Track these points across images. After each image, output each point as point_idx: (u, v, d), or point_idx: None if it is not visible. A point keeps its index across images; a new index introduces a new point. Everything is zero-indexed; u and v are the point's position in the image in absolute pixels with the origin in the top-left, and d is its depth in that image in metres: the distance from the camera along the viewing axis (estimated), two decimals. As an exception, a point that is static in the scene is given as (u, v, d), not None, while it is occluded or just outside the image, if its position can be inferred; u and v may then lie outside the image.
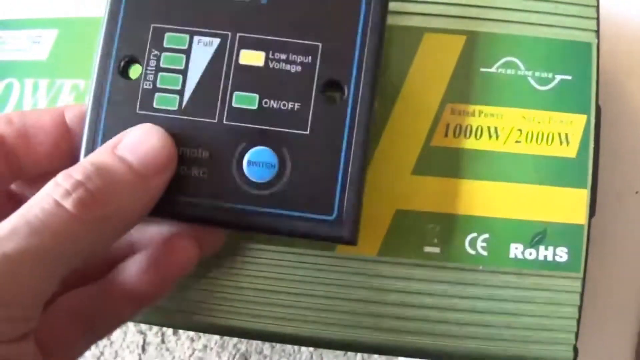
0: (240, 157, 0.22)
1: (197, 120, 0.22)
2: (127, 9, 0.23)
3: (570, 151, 0.26)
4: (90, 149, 0.23)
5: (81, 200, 0.19)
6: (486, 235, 0.25)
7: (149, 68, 0.23)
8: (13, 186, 0.24)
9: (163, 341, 0.38)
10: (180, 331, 0.38)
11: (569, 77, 0.26)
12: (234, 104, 0.22)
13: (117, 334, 0.39)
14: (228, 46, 0.23)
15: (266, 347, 0.38)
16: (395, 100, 0.26)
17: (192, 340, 0.38)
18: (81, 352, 0.22)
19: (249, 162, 0.22)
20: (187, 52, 0.23)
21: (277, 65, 0.23)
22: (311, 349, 0.37)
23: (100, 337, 0.23)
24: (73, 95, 0.28)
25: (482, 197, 0.25)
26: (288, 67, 0.22)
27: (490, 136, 0.25)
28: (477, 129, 0.25)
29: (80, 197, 0.19)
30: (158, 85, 0.23)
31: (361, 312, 0.25)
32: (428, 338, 0.25)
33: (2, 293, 0.17)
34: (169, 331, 0.38)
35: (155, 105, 0.23)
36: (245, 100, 0.22)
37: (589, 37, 0.26)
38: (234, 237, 0.25)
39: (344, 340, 0.26)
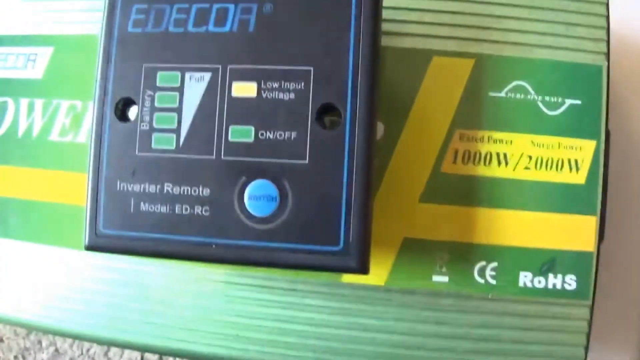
0: (241, 192, 0.22)
1: (196, 158, 0.22)
2: (119, 50, 0.23)
3: (580, 177, 0.25)
4: (95, 196, 0.23)
5: None
6: (495, 264, 0.24)
7: (144, 108, 0.23)
8: None
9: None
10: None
11: (578, 102, 0.25)
12: (230, 139, 0.22)
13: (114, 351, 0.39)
14: (220, 79, 0.22)
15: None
16: (403, 126, 0.25)
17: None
18: None
19: (250, 197, 0.22)
20: (180, 90, 0.22)
21: (270, 95, 0.22)
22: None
23: None
24: (70, 117, 0.28)
25: (492, 225, 0.24)
26: (281, 95, 0.22)
27: (499, 163, 0.24)
28: (486, 155, 0.24)
29: None
30: (155, 125, 0.22)
31: (368, 341, 0.25)
32: (436, 367, 0.25)
33: None
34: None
35: (153, 145, 0.22)
36: (241, 133, 0.22)
37: (598, 60, 0.25)
38: (240, 268, 0.25)
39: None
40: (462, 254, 0.25)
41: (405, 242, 0.25)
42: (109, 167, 0.23)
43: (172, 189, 0.22)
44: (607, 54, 0.25)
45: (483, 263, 0.25)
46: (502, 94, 0.25)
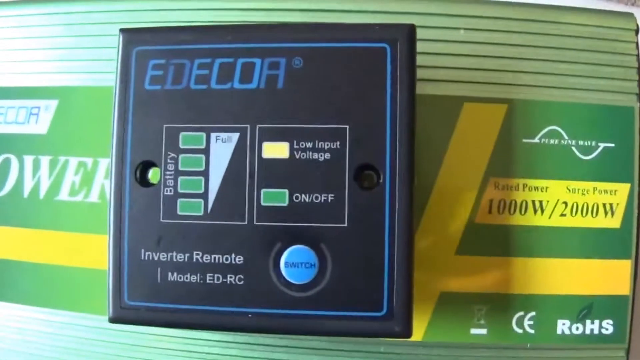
0: (276, 259, 0.21)
1: (226, 224, 0.21)
2: (136, 109, 0.22)
3: (615, 222, 0.25)
4: (118, 266, 0.21)
5: None
6: (533, 313, 0.24)
7: (167, 172, 0.21)
8: None
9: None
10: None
11: (612, 145, 0.24)
12: (263, 203, 0.21)
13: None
14: (249, 140, 0.21)
15: None
16: (436, 176, 0.24)
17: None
18: None
19: (287, 264, 0.20)
20: (206, 151, 0.21)
21: (303, 155, 0.21)
22: None
23: None
24: (80, 175, 0.26)
25: (529, 275, 0.24)
26: (316, 155, 0.21)
27: (535, 211, 0.24)
28: (521, 203, 0.24)
29: None
30: (179, 190, 0.21)
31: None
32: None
33: None
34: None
35: (179, 212, 0.21)
36: (275, 197, 0.21)
37: (630, 101, 0.24)
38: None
39: None
40: (500, 305, 0.24)
41: (442, 296, 0.24)
42: (132, 235, 0.21)
43: (202, 258, 0.21)
44: (639, 95, 0.24)
45: (521, 313, 0.24)
46: (536, 140, 0.24)
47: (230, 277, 0.21)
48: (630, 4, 0.31)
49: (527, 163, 0.24)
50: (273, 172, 0.21)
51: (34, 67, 0.27)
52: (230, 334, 0.24)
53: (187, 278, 0.21)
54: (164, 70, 0.22)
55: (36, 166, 0.26)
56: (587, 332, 0.24)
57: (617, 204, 0.24)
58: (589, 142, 0.24)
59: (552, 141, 0.24)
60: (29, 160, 0.26)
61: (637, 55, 0.24)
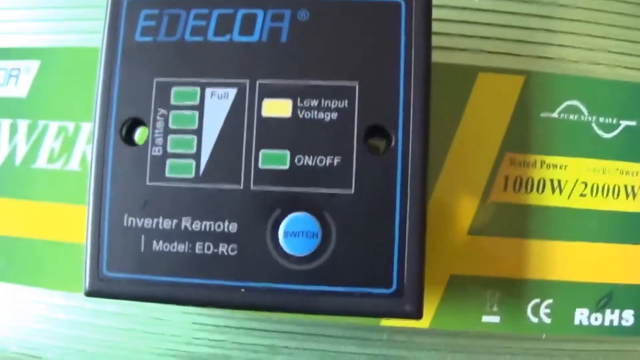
0: (274, 228, 0.19)
1: (220, 188, 0.19)
2: (124, 62, 0.20)
3: (637, 205, 0.23)
4: (97, 232, 0.19)
5: None
6: (550, 301, 0.22)
7: (156, 131, 0.19)
8: None
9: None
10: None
11: (634, 123, 0.22)
12: (261, 165, 0.19)
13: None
14: (247, 96, 0.19)
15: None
16: (448, 149, 0.22)
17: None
18: None
19: (286, 233, 0.18)
20: (200, 108, 0.19)
21: (307, 114, 0.19)
22: None
23: None
24: (60, 140, 0.24)
25: (546, 259, 0.22)
26: (321, 115, 0.19)
27: (553, 190, 0.22)
28: (539, 182, 0.22)
29: None
30: (169, 150, 0.19)
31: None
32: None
33: None
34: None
35: (167, 173, 0.19)
36: (274, 159, 0.19)
37: None
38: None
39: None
40: (514, 291, 0.22)
41: (452, 280, 0.22)
42: (114, 199, 0.19)
43: (191, 225, 0.19)
44: (663, 72, 0.23)
45: (537, 300, 0.22)
46: (555, 115, 0.22)
47: (223, 247, 0.19)
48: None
49: (544, 139, 0.23)
50: (273, 132, 0.19)
51: (15, 27, 0.25)
52: (221, 312, 0.22)
53: (174, 247, 0.19)
54: (156, 20, 0.20)
55: (13, 131, 0.24)
56: (607, 323, 0.22)
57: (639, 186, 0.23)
58: (610, 120, 0.23)
59: (571, 117, 0.23)
60: (5, 124, 0.24)
61: (661, 32, 0.23)
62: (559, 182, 0.23)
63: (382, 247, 0.19)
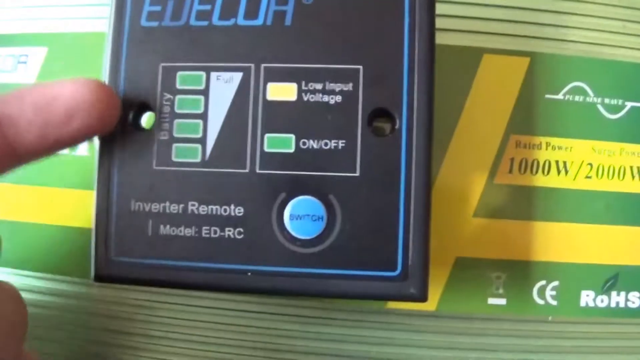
0: (280, 211, 0.19)
1: (226, 172, 0.19)
2: (130, 47, 0.20)
3: None
4: (105, 217, 0.19)
5: None
6: (556, 283, 0.22)
7: (162, 115, 0.19)
8: None
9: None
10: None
11: None
12: (266, 149, 0.19)
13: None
14: (252, 80, 0.19)
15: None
16: (453, 132, 0.22)
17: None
18: None
19: (292, 216, 0.18)
20: (205, 93, 0.19)
21: (312, 98, 0.19)
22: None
23: None
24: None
25: (552, 241, 0.22)
26: (326, 98, 0.19)
27: (559, 172, 0.22)
28: (544, 163, 0.22)
29: None
30: (175, 134, 0.19)
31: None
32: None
33: None
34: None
35: (174, 158, 0.19)
36: (280, 142, 0.19)
37: None
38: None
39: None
40: (520, 274, 0.22)
41: (458, 262, 0.22)
42: (121, 184, 0.19)
43: (197, 209, 0.19)
44: (668, 54, 0.23)
45: (543, 282, 0.22)
46: (560, 96, 0.22)
47: (229, 231, 0.19)
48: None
49: (550, 120, 0.23)
50: (279, 116, 0.19)
51: (22, 13, 0.25)
52: (227, 295, 0.22)
53: (180, 231, 0.19)
54: (162, 5, 0.20)
55: (21, 117, 0.24)
56: (613, 305, 0.22)
57: (645, 168, 0.23)
58: (616, 101, 0.23)
59: (576, 98, 0.23)
60: (13, 110, 0.24)
61: (668, 12, 0.23)
62: (565, 163, 0.23)
63: (387, 230, 0.19)
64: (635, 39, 0.23)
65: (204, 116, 0.19)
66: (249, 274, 0.19)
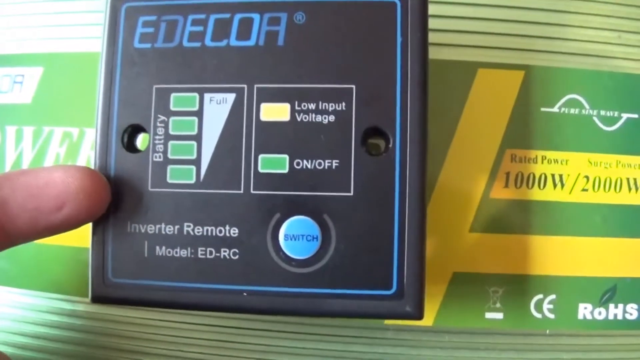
0: (275, 232, 0.19)
1: (220, 193, 0.19)
2: (124, 69, 0.20)
3: (639, 198, 0.23)
4: (101, 239, 0.19)
5: None
6: (553, 297, 0.22)
7: (157, 137, 0.19)
8: None
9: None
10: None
11: (636, 116, 0.22)
12: (260, 169, 0.19)
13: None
14: (246, 101, 0.19)
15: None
16: (448, 147, 0.22)
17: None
18: None
19: (287, 236, 0.19)
20: (199, 114, 0.19)
21: (305, 118, 0.19)
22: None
23: None
24: (65, 146, 0.24)
25: (548, 255, 0.22)
26: (319, 117, 0.19)
27: (555, 185, 0.22)
28: (540, 177, 0.22)
29: None
30: (170, 156, 0.19)
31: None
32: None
33: None
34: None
35: (169, 179, 0.19)
36: (274, 163, 0.19)
37: None
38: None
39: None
40: (518, 287, 0.22)
41: (455, 277, 0.22)
42: (117, 206, 0.19)
43: (193, 230, 0.19)
44: (663, 64, 0.23)
45: (540, 296, 0.22)
46: (555, 109, 0.22)
47: (224, 252, 0.19)
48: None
49: (545, 134, 0.22)
50: (272, 136, 0.19)
51: (18, 34, 0.25)
52: (224, 314, 0.22)
53: (176, 252, 0.19)
54: (155, 27, 0.20)
55: (19, 137, 0.24)
56: (610, 317, 0.22)
57: (642, 179, 0.22)
58: (612, 113, 0.23)
59: (572, 111, 0.23)
60: (11, 130, 0.24)
61: (662, 23, 0.23)
62: (561, 176, 0.23)
63: (382, 249, 0.19)
64: (631, 50, 0.23)
65: (197, 137, 0.19)
66: (245, 294, 0.19)
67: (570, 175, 0.22)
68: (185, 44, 0.20)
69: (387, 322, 0.22)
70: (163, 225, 0.19)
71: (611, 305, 0.22)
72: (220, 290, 0.19)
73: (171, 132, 0.19)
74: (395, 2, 0.19)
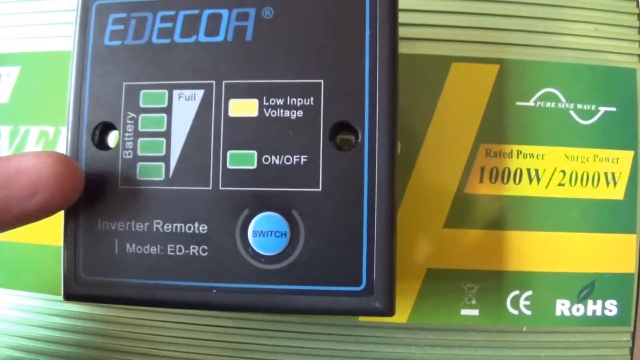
0: (244, 228, 0.19)
1: (189, 190, 0.19)
2: (94, 67, 0.20)
3: (618, 193, 0.23)
4: (72, 237, 0.19)
5: None
6: (529, 293, 0.22)
7: (126, 134, 0.19)
8: None
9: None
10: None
11: (613, 109, 0.22)
12: (229, 166, 0.19)
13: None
14: (214, 97, 0.19)
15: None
16: (422, 142, 0.22)
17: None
18: None
19: (255, 233, 0.18)
20: (168, 111, 0.19)
21: (274, 113, 0.19)
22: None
23: None
24: (41, 144, 0.24)
25: (524, 250, 0.22)
26: (287, 113, 0.19)
27: (530, 180, 0.22)
28: (515, 172, 0.22)
29: None
30: (139, 153, 0.19)
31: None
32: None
33: None
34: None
35: (138, 176, 0.19)
36: (242, 159, 0.19)
37: (632, 63, 0.22)
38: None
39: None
40: (493, 284, 0.22)
41: (429, 274, 0.22)
42: (88, 203, 0.19)
43: (162, 227, 0.19)
44: (641, 56, 0.22)
45: (516, 292, 0.22)
46: (531, 103, 0.22)
47: (194, 248, 0.19)
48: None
49: (521, 128, 0.22)
50: (240, 132, 0.19)
51: (-5, 33, 0.25)
52: (202, 312, 0.22)
53: (146, 250, 0.19)
54: (125, 24, 0.20)
55: (-5, 137, 0.24)
56: (589, 313, 0.22)
57: (620, 173, 0.22)
58: (589, 106, 0.22)
59: (548, 104, 0.22)
60: (-12, 130, 0.24)
61: (639, 15, 0.22)
62: (537, 171, 0.22)
63: (351, 245, 0.19)
64: (608, 42, 0.23)
65: (167, 134, 0.19)
66: (214, 291, 0.19)
67: (546, 170, 0.22)
68: (155, 40, 0.20)
69: (361, 319, 0.22)
70: (133, 223, 0.19)
71: (589, 302, 0.22)
72: (190, 287, 0.19)
73: (140, 129, 0.19)
74: None
